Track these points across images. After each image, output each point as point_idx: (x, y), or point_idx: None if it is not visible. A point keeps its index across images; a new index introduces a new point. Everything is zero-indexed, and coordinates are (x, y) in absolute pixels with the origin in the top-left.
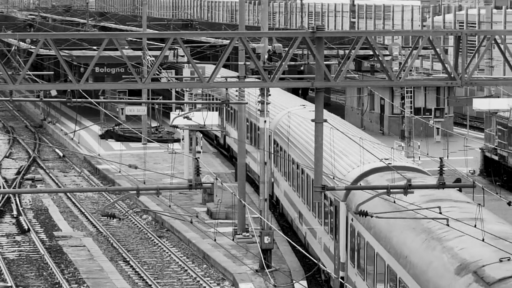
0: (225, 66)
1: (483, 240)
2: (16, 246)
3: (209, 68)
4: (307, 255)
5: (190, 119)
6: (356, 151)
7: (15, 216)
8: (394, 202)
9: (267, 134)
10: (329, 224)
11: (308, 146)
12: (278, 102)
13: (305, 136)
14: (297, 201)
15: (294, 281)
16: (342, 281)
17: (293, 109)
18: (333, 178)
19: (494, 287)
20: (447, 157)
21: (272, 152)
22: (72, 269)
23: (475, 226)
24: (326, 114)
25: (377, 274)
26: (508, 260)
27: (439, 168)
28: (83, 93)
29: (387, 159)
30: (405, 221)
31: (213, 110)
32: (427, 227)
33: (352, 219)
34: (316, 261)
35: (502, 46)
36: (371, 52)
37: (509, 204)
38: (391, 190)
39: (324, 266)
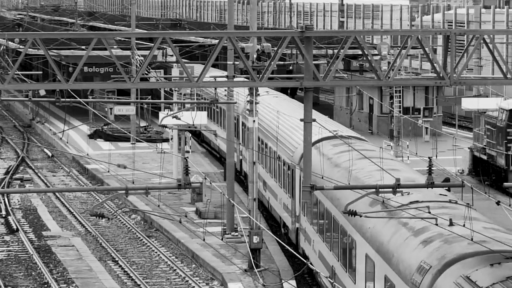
0: (214, 66)
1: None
2: (5, 246)
3: (198, 67)
4: (296, 254)
5: (179, 119)
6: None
7: (3, 216)
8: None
9: (256, 133)
10: (287, 186)
11: (271, 124)
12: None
13: (268, 116)
14: (261, 172)
15: (283, 281)
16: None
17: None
18: (289, 148)
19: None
20: (436, 156)
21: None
22: (60, 269)
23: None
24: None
25: (319, 216)
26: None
27: (428, 168)
28: (72, 92)
29: (336, 131)
30: (340, 174)
31: (202, 110)
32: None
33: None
34: (305, 261)
35: (490, 46)
36: (360, 52)
37: (498, 203)
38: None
39: (284, 222)
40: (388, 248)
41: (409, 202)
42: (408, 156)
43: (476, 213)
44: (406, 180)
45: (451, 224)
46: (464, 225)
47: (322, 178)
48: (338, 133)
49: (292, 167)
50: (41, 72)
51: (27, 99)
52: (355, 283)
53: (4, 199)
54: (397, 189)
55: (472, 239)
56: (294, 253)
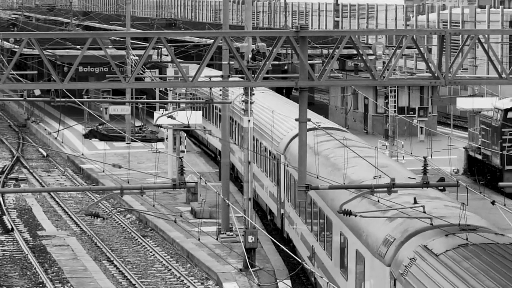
0: (209, 66)
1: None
2: (0, 245)
3: (193, 67)
4: (292, 254)
5: (174, 119)
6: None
7: None
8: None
9: (251, 133)
10: (273, 175)
11: (258, 118)
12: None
13: (254, 110)
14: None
15: (278, 280)
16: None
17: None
18: (274, 138)
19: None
20: (431, 156)
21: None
22: (55, 268)
23: None
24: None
25: (296, 196)
26: (380, 177)
27: (422, 167)
28: (67, 92)
29: (319, 122)
30: (320, 161)
31: (197, 110)
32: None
33: (287, 165)
34: (300, 261)
35: (485, 46)
36: (355, 52)
37: (492, 203)
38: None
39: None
40: (359, 225)
41: None
42: (403, 156)
43: (440, 194)
44: (379, 165)
45: (415, 202)
46: (426, 204)
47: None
48: (320, 124)
49: (277, 157)
50: (36, 72)
51: (22, 98)
52: (331, 260)
53: None
54: (392, 189)
55: (432, 216)
56: (289, 252)
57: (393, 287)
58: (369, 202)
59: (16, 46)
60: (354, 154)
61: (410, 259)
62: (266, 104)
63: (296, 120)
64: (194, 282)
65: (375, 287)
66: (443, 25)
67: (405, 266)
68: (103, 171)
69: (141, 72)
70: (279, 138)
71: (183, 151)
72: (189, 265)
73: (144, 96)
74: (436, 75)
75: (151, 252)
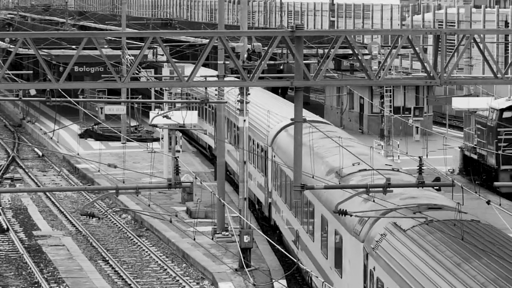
0: (204, 65)
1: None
2: None
3: (188, 67)
4: (287, 254)
5: (170, 118)
6: (284, 110)
7: None
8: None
9: (246, 133)
10: (261, 166)
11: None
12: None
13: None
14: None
15: (273, 280)
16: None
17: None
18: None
19: (344, 179)
20: (427, 156)
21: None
22: (51, 268)
23: None
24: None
25: (286, 189)
26: (358, 164)
27: (418, 167)
28: (63, 92)
29: (304, 116)
30: (304, 151)
31: (192, 110)
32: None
33: (274, 156)
34: (296, 261)
35: (481, 45)
36: (350, 51)
37: (488, 203)
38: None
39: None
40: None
41: (358, 170)
42: (398, 156)
43: (412, 178)
44: (359, 154)
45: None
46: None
47: (288, 155)
48: (306, 118)
49: (265, 149)
50: (31, 72)
51: (17, 98)
52: (313, 241)
53: None
54: (387, 189)
55: (404, 197)
56: (285, 252)
57: (365, 260)
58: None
59: (11, 46)
60: (336, 144)
61: (381, 234)
62: (254, 100)
63: (292, 120)
64: (190, 282)
65: (351, 262)
66: (439, 25)
67: (376, 241)
68: (99, 171)
69: (137, 72)
70: (266, 131)
71: (178, 151)
72: (184, 265)
73: (140, 96)
74: (431, 75)
75: (146, 252)
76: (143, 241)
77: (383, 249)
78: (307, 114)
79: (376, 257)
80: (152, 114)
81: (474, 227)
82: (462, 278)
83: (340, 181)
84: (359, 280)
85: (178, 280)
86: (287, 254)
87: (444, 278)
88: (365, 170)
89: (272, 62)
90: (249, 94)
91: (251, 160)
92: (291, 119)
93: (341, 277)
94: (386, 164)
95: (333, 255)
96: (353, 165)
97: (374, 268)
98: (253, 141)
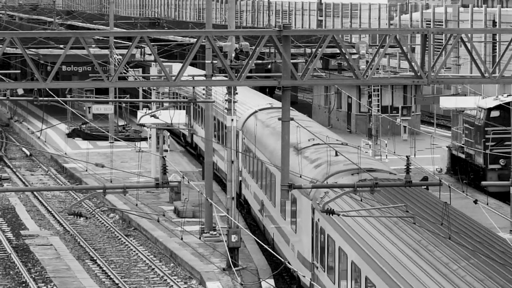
0: (192, 65)
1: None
2: None
3: (176, 66)
4: (275, 254)
5: (157, 118)
6: (252, 99)
7: None
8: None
9: (235, 132)
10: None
11: (218, 101)
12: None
13: (219, 96)
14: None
15: (261, 280)
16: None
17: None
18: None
19: (300, 151)
20: (414, 155)
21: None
22: (39, 268)
23: None
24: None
25: (253, 164)
26: (313, 140)
27: (405, 166)
28: (50, 91)
29: (270, 103)
30: (268, 132)
31: (180, 109)
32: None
33: (244, 138)
34: (283, 260)
35: (468, 45)
36: (338, 51)
37: (475, 202)
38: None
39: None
40: (294, 175)
41: (312, 144)
42: (386, 155)
43: (357, 150)
44: (316, 132)
45: (336, 155)
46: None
47: (255, 136)
48: (273, 105)
49: (236, 132)
50: (19, 71)
51: (5, 98)
52: (274, 207)
53: None
54: (375, 188)
55: (346, 162)
56: (273, 252)
57: (312, 214)
58: (302, 157)
59: None
60: (296, 124)
61: (325, 192)
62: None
63: (279, 119)
64: (178, 282)
65: (302, 219)
66: (426, 24)
67: (321, 197)
68: (86, 170)
69: (124, 71)
70: (237, 117)
71: (166, 150)
72: (172, 264)
73: (127, 96)
74: (419, 74)
75: (134, 251)
76: (131, 240)
77: (325, 203)
78: (273, 102)
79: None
80: (140, 113)
81: (396, 182)
82: (378, 215)
83: (297, 153)
84: (309, 231)
85: (166, 280)
86: (275, 254)
87: (367, 220)
88: (318, 144)
89: (260, 61)
90: (236, 93)
91: (223, 144)
92: (259, 109)
93: (296, 232)
94: (337, 140)
95: (289, 215)
96: (309, 140)
97: (318, 220)
98: (226, 126)
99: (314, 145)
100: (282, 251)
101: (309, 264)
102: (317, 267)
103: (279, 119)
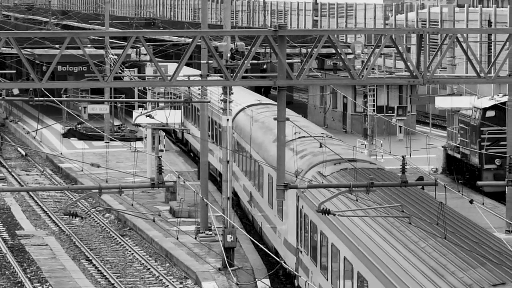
0: (188, 65)
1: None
2: None
3: (172, 66)
4: (270, 254)
5: (153, 118)
6: (242, 96)
7: None
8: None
9: (230, 132)
10: (221, 144)
11: (212, 100)
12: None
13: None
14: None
15: (256, 279)
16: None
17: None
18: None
19: (286, 144)
20: (410, 155)
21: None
22: (34, 268)
23: None
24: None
25: (242, 157)
26: (299, 133)
27: (401, 166)
28: (46, 91)
29: (258, 99)
30: (258, 126)
31: (175, 109)
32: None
33: (233, 133)
34: (278, 260)
35: (464, 45)
36: (333, 51)
37: (471, 202)
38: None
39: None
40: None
41: (298, 137)
42: (382, 155)
43: (341, 142)
44: (301, 126)
45: (320, 146)
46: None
47: (245, 132)
48: (261, 101)
49: (223, 126)
50: (14, 71)
51: (0, 98)
52: (262, 197)
53: None
54: (370, 188)
55: (329, 153)
56: (268, 252)
57: (297, 202)
58: (288, 148)
59: None
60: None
61: (308, 181)
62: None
63: (275, 119)
64: (173, 281)
65: (288, 206)
66: (422, 24)
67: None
68: (82, 170)
69: (120, 71)
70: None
71: (161, 150)
72: (168, 264)
73: (123, 96)
74: (414, 74)
75: (130, 251)
76: (127, 240)
77: (309, 191)
78: (261, 98)
79: (303, 197)
80: (135, 113)
81: (376, 172)
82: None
83: (288, 144)
84: (294, 218)
85: (162, 280)
86: (270, 253)
87: (344, 202)
88: (304, 137)
89: (256, 61)
90: (232, 93)
91: (213, 140)
92: (247, 105)
93: (282, 220)
94: (322, 133)
95: (276, 205)
96: (295, 133)
97: (302, 207)
98: (216, 122)
99: (300, 138)
100: (270, 239)
101: (294, 249)
102: (301, 251)
103: (274, 119)
